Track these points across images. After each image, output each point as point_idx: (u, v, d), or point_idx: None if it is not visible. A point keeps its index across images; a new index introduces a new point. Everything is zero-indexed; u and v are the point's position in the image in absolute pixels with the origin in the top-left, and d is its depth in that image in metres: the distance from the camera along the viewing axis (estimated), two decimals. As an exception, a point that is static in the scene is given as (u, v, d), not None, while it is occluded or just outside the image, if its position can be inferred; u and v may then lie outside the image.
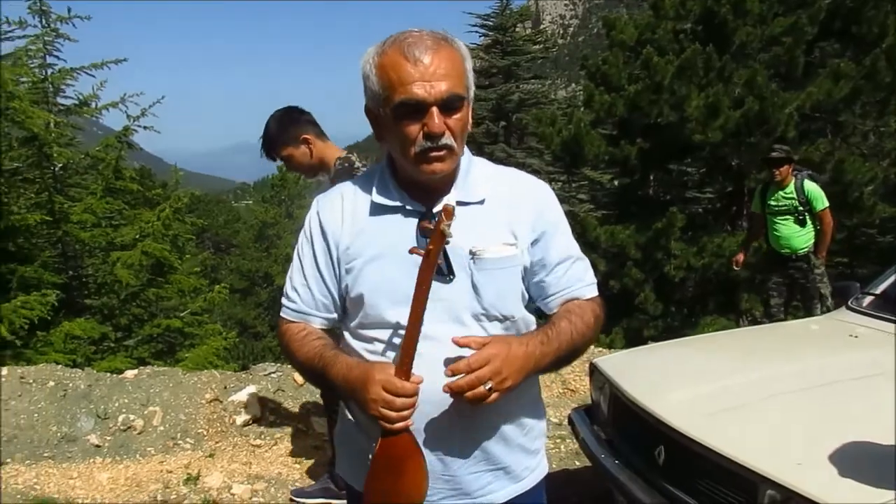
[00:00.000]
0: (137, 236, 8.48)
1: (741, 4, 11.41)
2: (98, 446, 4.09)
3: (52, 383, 4.49)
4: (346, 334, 1.52)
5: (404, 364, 1.29)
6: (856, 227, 11.51)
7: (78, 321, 7.39)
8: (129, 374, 4.83)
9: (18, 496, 3.53)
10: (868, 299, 3.31)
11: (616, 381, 2.91)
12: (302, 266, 1.52)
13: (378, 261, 1.43)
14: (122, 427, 4.24)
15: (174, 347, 9.02)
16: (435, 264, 1.28)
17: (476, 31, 22.94)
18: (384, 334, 1.43)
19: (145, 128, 8.67)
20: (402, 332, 1.36)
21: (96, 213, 8.05)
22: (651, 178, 13.80)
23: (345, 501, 3.39)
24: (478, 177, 1.47)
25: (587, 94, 13.33)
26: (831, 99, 10.87)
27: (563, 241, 1.52)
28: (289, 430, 4.40)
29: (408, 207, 1.44)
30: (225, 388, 4.64)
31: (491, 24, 22.44)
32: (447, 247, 1.36)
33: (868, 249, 11.87)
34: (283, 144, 3.15)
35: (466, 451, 1.45)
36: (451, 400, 1.35)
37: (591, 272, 1.57)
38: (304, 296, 1.51)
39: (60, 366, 4.89)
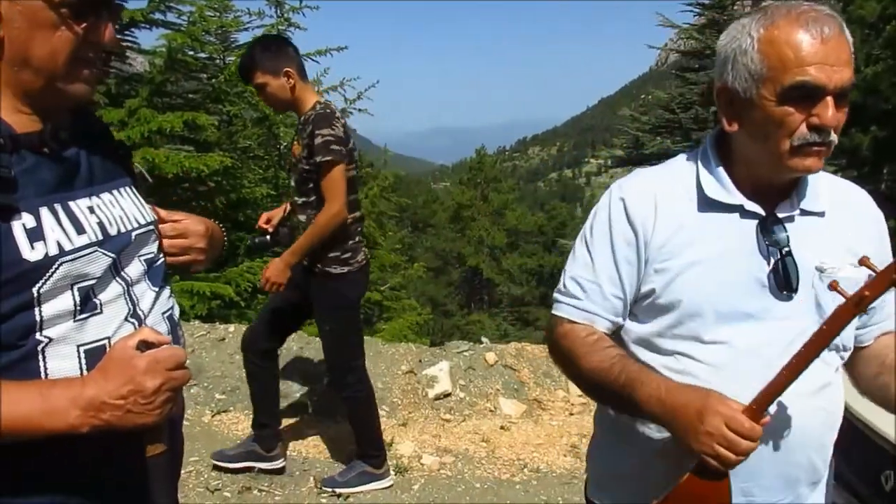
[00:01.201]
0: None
1: None
2: (305, 405, 4.44)
3: (269, 342, 4.95)
4: (629, 341, 1.36)
5: (762, 405, 1.13)
6: None
7: (291, 288, 8.09)
8: (335, 340, 5.18)
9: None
10: None
11: (837, 395, 2.62)
12: (592, 260, 1.33)
13: (705, 265, 1.25)
14: (326, 389, 4.56)
15: (371, 319, 9.58)
16: (859, 312, 1.10)
17: (691, 10, 21.72)
18: (696, 350, 1.25)
19: (360, 110, 9.28)
20: (720, 350, 1.23)
21: (313, 190, 8.73)
22: (885, 171, 12.33)
23: (273, 463, 3.45)
24: (817, 183, 1.29)
25: (813, 77, 12.14)
26: None
27: None
28: (478, 408, 4.48)
29: (747, 208, 1.26)
30: (420, 361, 4.83)
31: (707, 2, 21.14)
32: (794, 256, 1.23)
33: None
34: (264, 70, 2.98)
35: (780, 495, 1.29)
36: (776, 433, 1.23)
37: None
38: (593, 293, 1.32)
39: (277, 327, 5.37)
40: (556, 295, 1.38)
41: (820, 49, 1.12)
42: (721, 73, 1.24)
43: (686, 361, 1.26)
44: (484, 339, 6.11)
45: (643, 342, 1.33)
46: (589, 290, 1.32)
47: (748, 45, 1.18)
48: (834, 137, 1.17)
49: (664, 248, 1.27)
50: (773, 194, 1.26)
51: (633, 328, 1.35)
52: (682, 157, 1.38)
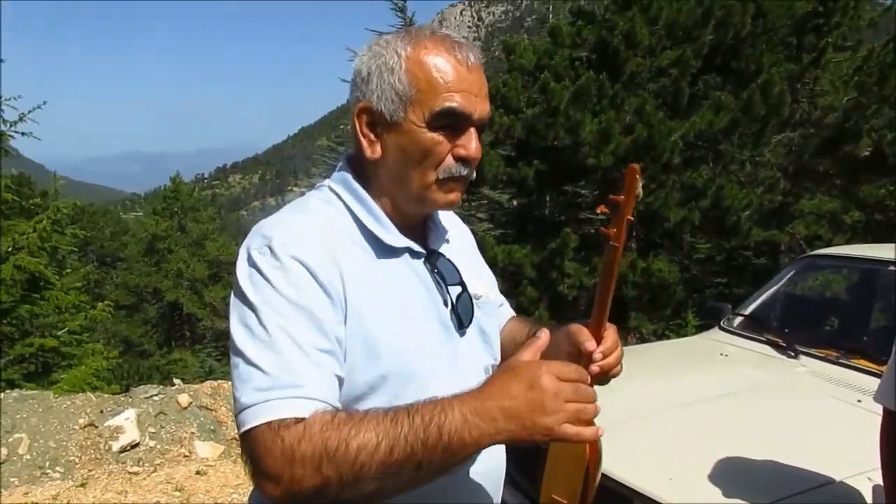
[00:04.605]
0: (10, 249, 7.95)
1: (632, 36, 11.99)
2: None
3: None
4: None
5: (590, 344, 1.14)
6: (734, 250, 12.24)
7: (-62, 340, 6.83)
8: (-7, 398, 4.48)
9: None
10: (738, 320, 3.51)
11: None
12: (293, 337, 0.96)
13: (404, 323, 1.07)
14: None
15: (50, 368, 8.48)
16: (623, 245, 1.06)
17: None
18: None
19: (23, 134, 8.21)
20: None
21: (-37, 224, 7.51)
22: (547, 198, 14.19)
23: None
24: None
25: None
26: (712, 129, 11.56)
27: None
28: (170, 455, 4.20)
29: (415, 249, 1.15)
30: (101, 412, 4.38)
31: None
32: (459, 296, 1.17)
33: (744, 271, 12.63)
34: None
35: None
36: (490, 469, 1.17)
37: None
38: (311, 377, 0.95)
39: (-87, 390, 4.48)
40: (252, 398, 0.93)
41: (467, 77, 1.06)
42: (363, 91, 1.10)
43: None
44: (177, 381, 5.74)
45: None
46: (305, 374, 0.94)
47: (395, 64, 1.06)
48: (473, 172, 1.12)
49: (362, 313, 1.04)
50: (416, 231, 1.18)
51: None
52: (314, 196, 1.18)
